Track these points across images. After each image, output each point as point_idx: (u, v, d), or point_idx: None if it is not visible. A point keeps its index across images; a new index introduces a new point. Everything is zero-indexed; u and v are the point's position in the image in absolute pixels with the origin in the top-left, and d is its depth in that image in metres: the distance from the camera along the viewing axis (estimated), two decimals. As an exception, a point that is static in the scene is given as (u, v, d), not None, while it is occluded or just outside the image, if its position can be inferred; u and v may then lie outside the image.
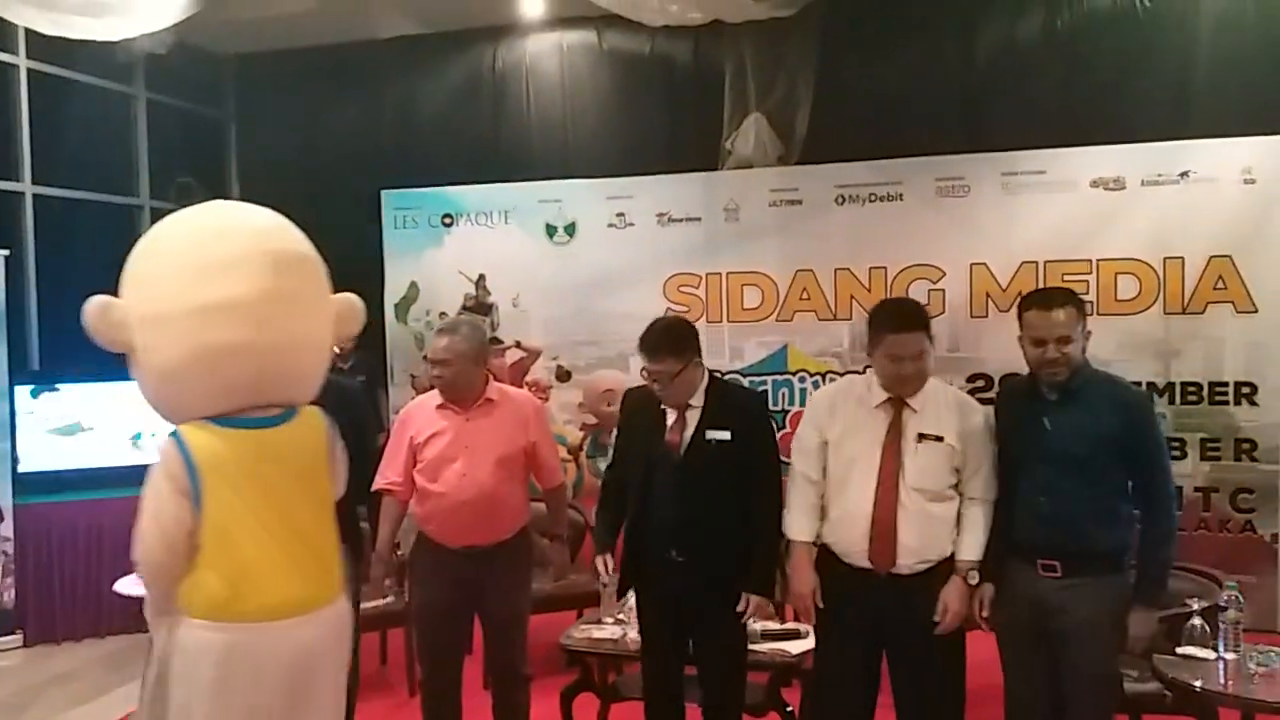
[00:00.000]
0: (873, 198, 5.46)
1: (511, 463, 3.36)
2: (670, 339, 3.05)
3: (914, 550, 2.85)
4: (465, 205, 6.09)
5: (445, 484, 3.33)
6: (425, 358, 3.93)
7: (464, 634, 3.54)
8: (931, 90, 5.79)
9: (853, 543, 2.90)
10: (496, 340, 5.82)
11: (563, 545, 3.69)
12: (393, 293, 6.15)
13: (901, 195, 5.43)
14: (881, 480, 2.86)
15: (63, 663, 4.88)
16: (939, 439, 2.87)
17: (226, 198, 7.69)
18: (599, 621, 3.70)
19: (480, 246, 6.07)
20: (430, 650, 3.46)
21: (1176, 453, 4.83)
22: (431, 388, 3.47)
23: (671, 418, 3.10)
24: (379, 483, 3.43)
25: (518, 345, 5.96)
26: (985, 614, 2.92)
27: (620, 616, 3.60)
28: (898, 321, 2.90)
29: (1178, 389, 5.00)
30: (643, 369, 3.08)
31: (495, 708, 3.47)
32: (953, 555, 2.89)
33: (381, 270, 6.13)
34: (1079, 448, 2.80)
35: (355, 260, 6.18)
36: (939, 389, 2.96)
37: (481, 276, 6.06)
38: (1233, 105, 5.15)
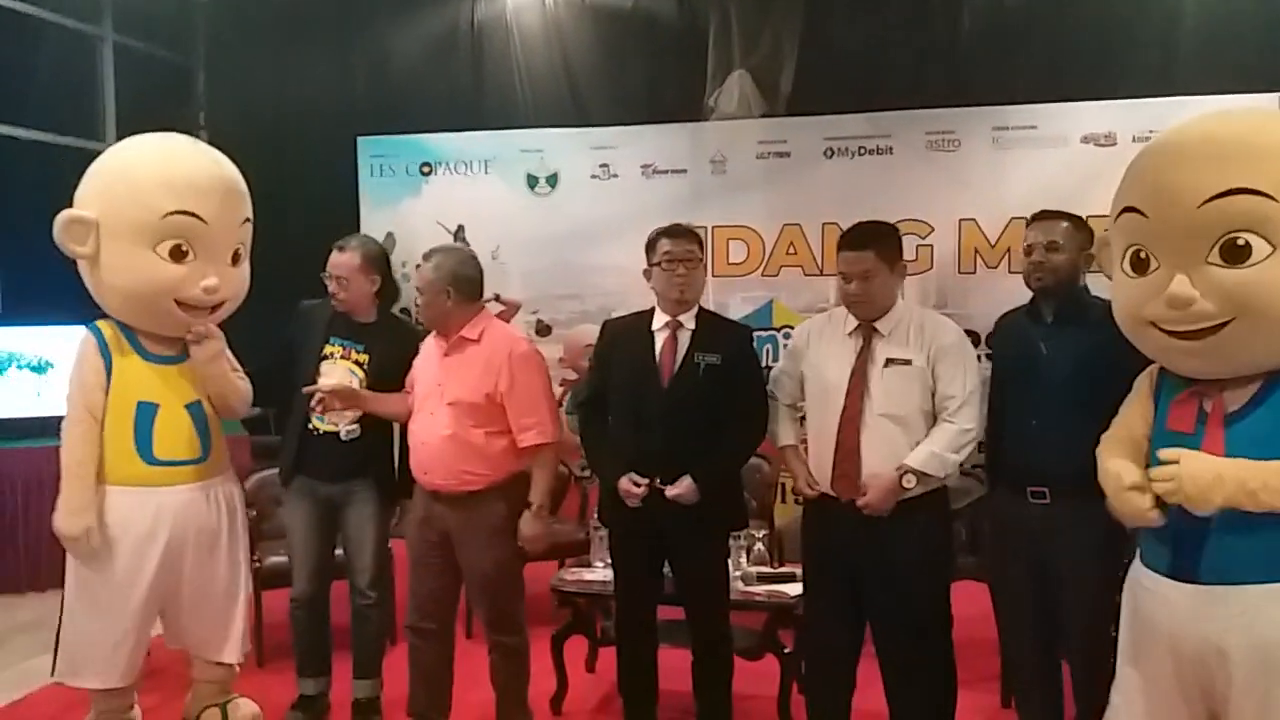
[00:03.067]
0: (862, 150, 5.40)
1: (476, 410, 3.09)
2: (694, 232, 3.16)
3: (878, 475, 2.82)
4: (444, 154, 5.94)
5: (416, 420, 3.22)
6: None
7: (446, 577, 3.27)
8: (920, 44, 5.69)
9: (821, 468, 2.91)
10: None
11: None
12: (369, 243, 6.00)
13: (891, 148, 5.37)
14: (847, 405, 2.87)
15: (28, 613, 4.70)
16: (907, 362, 2.86)
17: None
18: (590, 565, 3.64)
19: (459, 196, 5.93)
20: (411, 589, 3.31)
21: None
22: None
23: (661, 341, 3.06)
24: None
25: (496, 299, 5.81)
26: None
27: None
28: (846, 239, 2.95)
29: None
30: (660, 258, 3.04)
31: (490, 656, 3.31)
32: (923, 495, 2.84)
33: (357, 219, 5.97)
34: (1073, 370, 2.80)
35: (330, 210, 6.09)
36: (909, 311, 2.96)
37: (460, 227, 5.92)
38: (1222, 62, 5.11)
